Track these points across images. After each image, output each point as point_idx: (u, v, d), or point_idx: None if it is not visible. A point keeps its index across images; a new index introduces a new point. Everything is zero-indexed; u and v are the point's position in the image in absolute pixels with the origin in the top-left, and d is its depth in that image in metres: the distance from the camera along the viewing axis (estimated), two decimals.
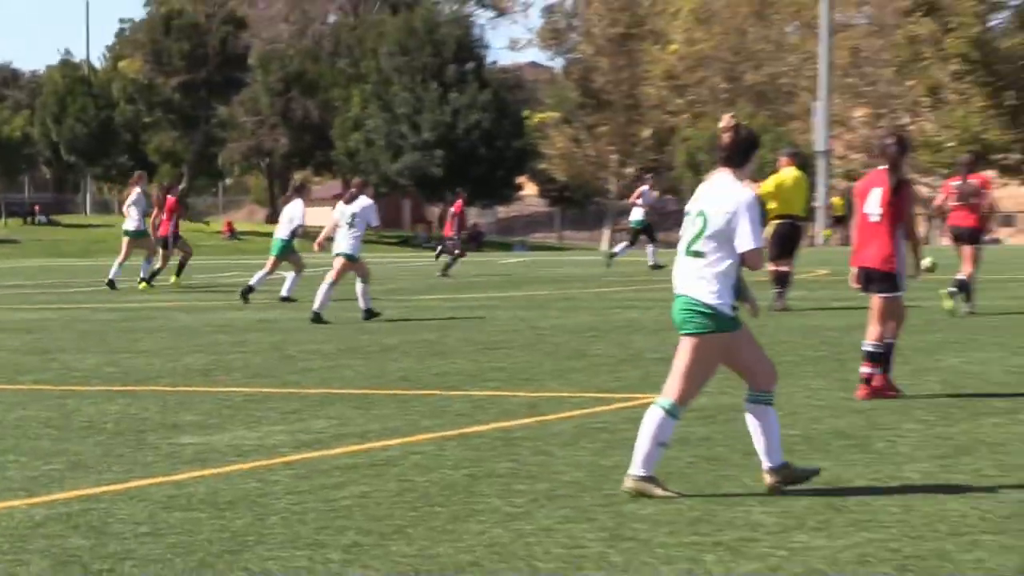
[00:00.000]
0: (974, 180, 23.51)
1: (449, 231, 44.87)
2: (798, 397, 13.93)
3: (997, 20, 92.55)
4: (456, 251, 43.39)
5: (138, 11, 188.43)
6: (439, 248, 50.75)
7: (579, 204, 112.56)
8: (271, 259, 30.44)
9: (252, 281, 30.14)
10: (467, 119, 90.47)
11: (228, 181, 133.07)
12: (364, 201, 25.34)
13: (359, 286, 25.07)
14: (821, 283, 33.41)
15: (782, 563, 7.70)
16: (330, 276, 24.91)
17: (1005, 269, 37.64)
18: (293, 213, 30.03)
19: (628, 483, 9.56)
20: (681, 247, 9.72)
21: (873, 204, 14.01)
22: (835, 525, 8.54)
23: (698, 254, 9.59)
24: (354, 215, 25.10)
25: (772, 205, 24.85)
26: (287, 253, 30.20)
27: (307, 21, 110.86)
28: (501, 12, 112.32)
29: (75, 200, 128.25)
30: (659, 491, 9.50)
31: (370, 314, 24.91)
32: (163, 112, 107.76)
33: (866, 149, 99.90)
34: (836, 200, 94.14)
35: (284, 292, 29.85)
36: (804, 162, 32.69)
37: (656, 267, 40.35)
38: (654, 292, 30.69)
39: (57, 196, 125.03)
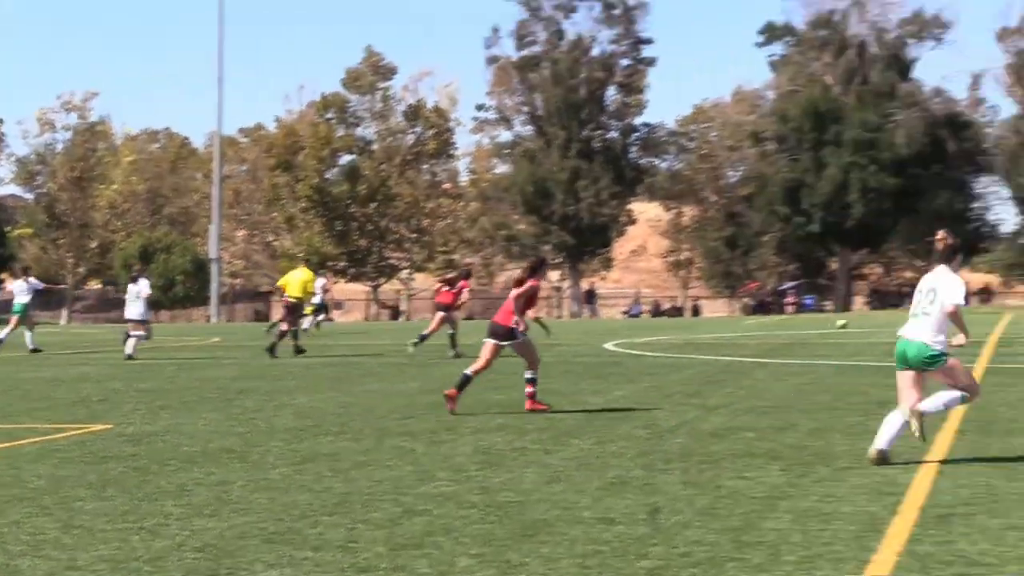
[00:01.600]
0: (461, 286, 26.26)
1: None
2: (198, 426, 13.62)
3: (329, 174, 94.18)
4: None
5: None
6: None
7: (44, 293, 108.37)
8: (13, 318, 29.21)
9: (1, 335, 28.71)
10: None
11: None
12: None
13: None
14: (215, 348, 33.00)
15: (187, 539, 7.48)
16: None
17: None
18: (34, 285, 29.61)
19: (913, 422, 9.77)
20: (914, 311, 10.02)
21: (513, 290, 14.70)
22: (223, 512, 8.36)
23: (927, 314, 9.93)
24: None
25: (287, 290, 27.24)
26: (27, 313, 29.27)
27: None
28: None
29: None
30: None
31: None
32: None
33: (245, 257, 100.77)
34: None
35: (30, 345, 28.71)
36: (312, 265, 35.26)
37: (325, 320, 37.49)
38: (104, 355, 29.62)
39: None
